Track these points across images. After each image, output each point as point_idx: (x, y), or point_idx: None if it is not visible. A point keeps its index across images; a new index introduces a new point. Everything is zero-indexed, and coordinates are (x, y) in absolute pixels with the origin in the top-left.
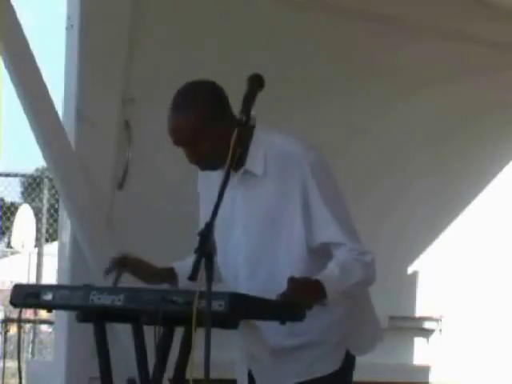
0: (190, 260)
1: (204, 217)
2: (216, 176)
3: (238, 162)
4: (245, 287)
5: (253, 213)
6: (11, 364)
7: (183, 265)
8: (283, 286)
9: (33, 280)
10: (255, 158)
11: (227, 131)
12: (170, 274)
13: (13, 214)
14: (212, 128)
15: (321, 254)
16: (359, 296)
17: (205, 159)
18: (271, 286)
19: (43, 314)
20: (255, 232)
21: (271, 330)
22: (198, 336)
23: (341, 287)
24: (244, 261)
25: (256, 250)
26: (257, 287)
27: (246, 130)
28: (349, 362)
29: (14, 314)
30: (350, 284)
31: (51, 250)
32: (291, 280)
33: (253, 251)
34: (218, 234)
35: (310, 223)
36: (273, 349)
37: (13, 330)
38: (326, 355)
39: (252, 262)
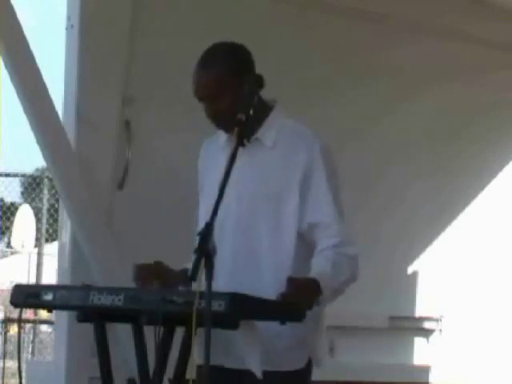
0: None
1: (208, 190)
2: (221, 148)
3: (249, 133)
4: (228, 256)
5: (249, 179)
6: (11, 364)
7: None
8: (265, 261)
9: (33, 280)
10: (267, 131)
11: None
12: (184, 276)
13: (13, 214)
14: (233, 86)
15: (306, 242)
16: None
17: (221, 116)
18: (253, 259)
19: (43, 314)
20: (247, 201)
21: None
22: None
23: (333, 285)
24: (232, 228)
25: (245, 219)
26: (239, 258)
27: (245, 130)
28: (310, 365)
29: (14, 314)
30: (341, 281)
31: (51, 250)
32: (291, 280)
33: (242, 220)
34: (210, 194)
35: (306, 200)
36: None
37: (13, 330)
38: (293, 350)
39: (239, 231)
